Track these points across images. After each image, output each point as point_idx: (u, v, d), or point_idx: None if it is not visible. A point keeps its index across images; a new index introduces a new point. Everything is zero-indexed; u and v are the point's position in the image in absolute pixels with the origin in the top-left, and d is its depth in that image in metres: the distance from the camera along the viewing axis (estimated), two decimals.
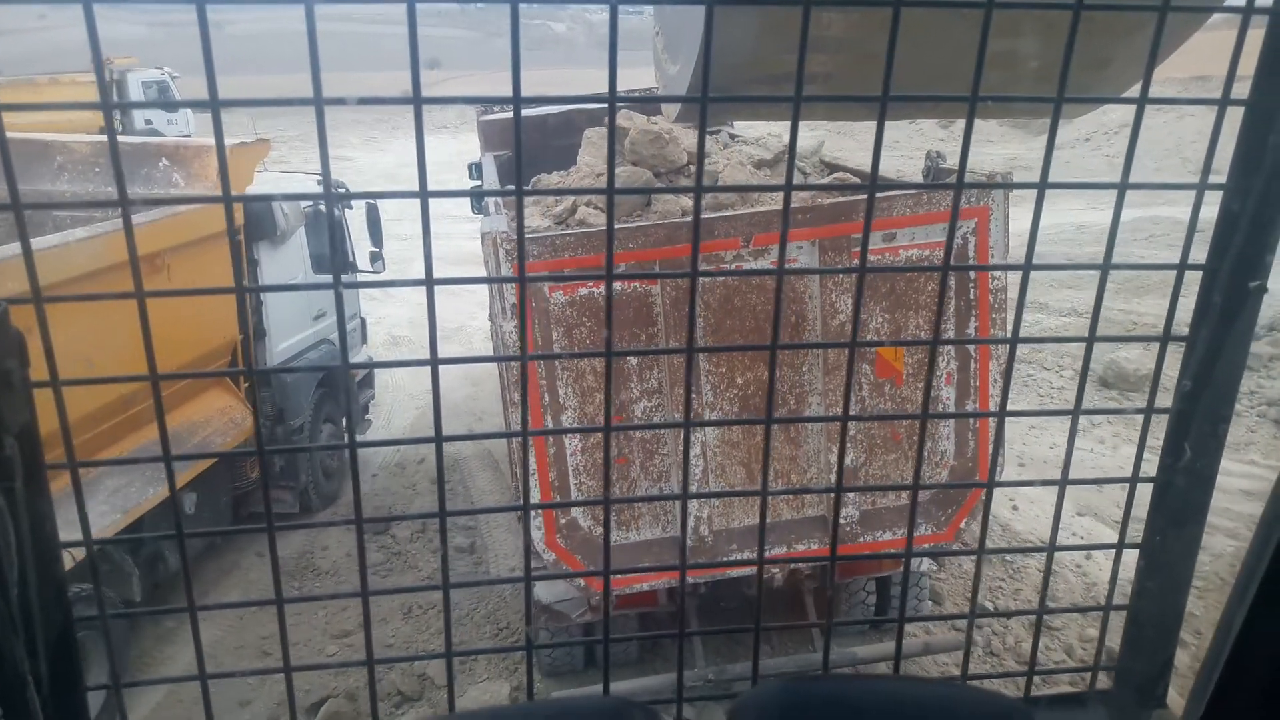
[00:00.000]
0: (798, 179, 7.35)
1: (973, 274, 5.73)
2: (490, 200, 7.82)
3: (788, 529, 6.05)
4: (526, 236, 5.45)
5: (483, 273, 9.98)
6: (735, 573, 6.37)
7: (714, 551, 5.92)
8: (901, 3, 1.18)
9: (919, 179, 7.22)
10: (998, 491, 9.68)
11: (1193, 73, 27.03)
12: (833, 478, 5.91)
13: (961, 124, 1.30)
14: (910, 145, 33.96)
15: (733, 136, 9.00)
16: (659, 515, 6.01)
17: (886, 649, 6.68)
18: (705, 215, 5.60)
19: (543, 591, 6.71)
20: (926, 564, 7.34)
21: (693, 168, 6.81)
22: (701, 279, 5.52)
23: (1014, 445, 11.00)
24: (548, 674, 7.51)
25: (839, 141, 31.86)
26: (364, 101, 1.25)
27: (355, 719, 6.98)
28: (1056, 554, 7.86)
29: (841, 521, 6.01)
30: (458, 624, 8.23)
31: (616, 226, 5.95)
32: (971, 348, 5.89)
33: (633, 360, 5.71)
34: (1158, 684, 1.46)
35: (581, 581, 6.18)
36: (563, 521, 5.88)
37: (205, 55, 1.10)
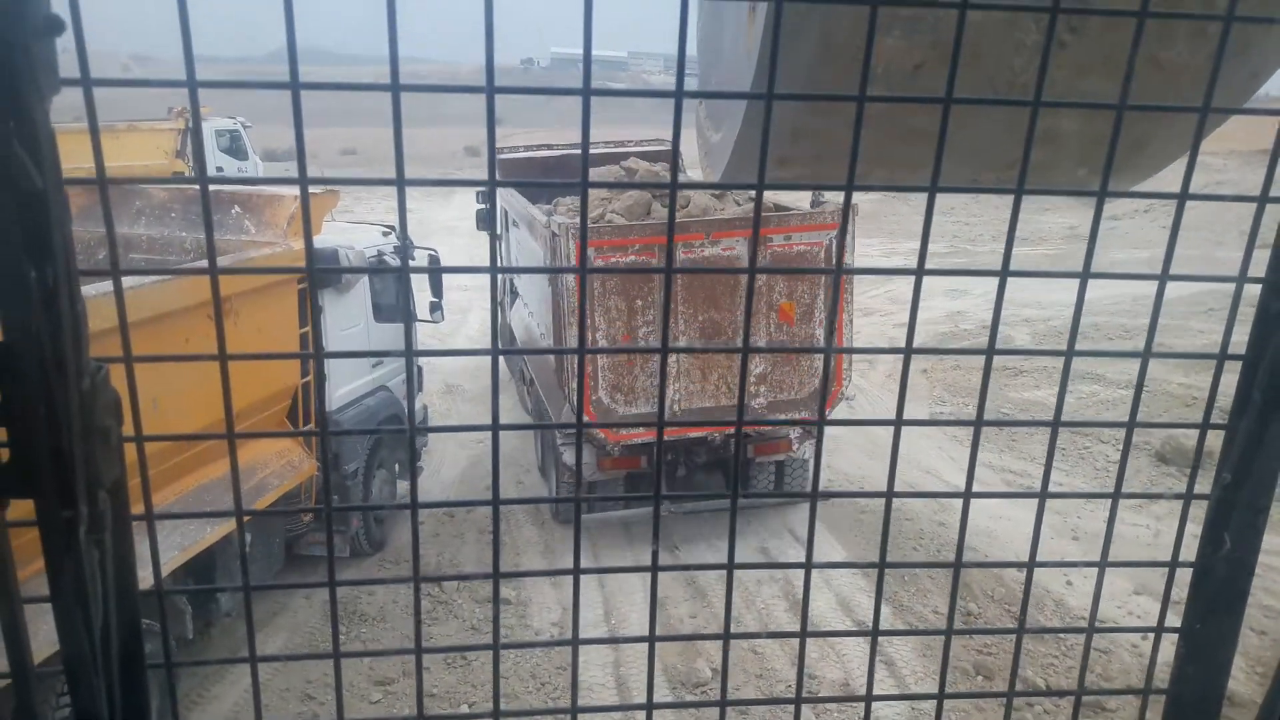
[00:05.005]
0: (731, 204, 10.55)
1: (834, 254, 8.79)
2: (545, 207, 11.51)
3: (721, 411, 9.53)
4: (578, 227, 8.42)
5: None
6: (694, 435, 9.88)
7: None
8: (953, 102, 1.24)
9: (809, 207, 10.25)
10: (1055, 570, 9.50)
11: (1255, 145, 26.72)
12: (752, 379, 9.01)
13: (1000, 197, 1.35)
14: (955, 199, 33.98)
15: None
16: (650, 395, 9.42)
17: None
18: (690, 219, 9.33)
19: (567, 454, 10.02)
20: (809, 452, 10.38)
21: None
22: (679, 254, 8.94)
23: (1068, 519, 10.83)
24: (562, 520, 10.97)
25: (894, 206, 32.11)
26: (442, 183, 1.34)
27: None
28: (1114, 635, 7.63)
29: (756, 406, 9.55)
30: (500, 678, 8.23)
31: (632, 223, 9.20)
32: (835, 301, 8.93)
33: (639, 302, 9.09)
34: None
35: (602, 435, 9.44)
36: (593, 399, 9.26)
37: (298, 138, 1.19)
